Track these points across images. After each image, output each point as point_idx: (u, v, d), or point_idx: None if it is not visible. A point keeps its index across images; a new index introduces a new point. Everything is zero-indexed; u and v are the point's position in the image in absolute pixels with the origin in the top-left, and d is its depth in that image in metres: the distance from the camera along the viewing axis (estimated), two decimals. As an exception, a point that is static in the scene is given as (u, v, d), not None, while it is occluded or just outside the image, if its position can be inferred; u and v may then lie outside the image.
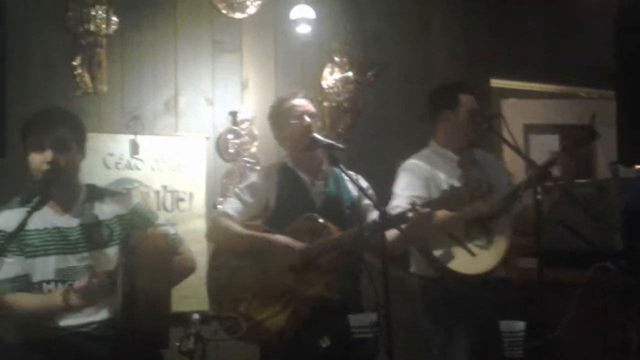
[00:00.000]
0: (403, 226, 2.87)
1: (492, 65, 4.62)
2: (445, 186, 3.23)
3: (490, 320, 3.00)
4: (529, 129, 4.85)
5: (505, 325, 2.64)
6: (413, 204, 2.90)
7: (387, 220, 2.80)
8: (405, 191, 3.24)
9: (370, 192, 3.12)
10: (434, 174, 3.28)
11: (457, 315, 3.14)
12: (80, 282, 2.63)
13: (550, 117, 4.90)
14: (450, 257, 3.10)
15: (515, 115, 4.26)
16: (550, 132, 4.96)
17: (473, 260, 3.04)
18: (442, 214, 2.97)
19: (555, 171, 3.12)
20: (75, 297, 2.60)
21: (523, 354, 2.61)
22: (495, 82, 4.64)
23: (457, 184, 3.17)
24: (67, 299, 2.60)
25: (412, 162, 3.35)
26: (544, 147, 4.65)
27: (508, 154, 3.84)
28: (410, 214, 2.89)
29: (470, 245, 3.09)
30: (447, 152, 3.35)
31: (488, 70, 4.61)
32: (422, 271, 3.30)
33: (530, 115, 4.82)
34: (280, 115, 3.22)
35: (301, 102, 3.19)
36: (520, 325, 2.63)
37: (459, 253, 3.06)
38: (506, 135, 3.17)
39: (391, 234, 2.92)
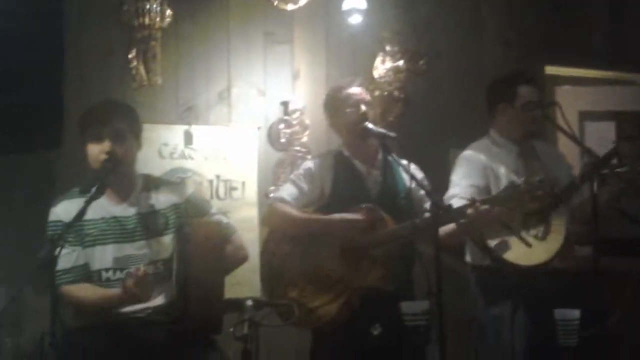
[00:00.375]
0: (460, 220, 2.85)
1: (546, 53, 4.54)
2: (503, 177, 3.21)
3: (545, 309, 2.98)
4: (584, 116, 4.75)
5: (560, 313, 2.61)
6: (472, 200, 2.88)
7: (444, 215, 2.77)
8: (464, 180, 3.23)
9: (425, 183, 3.11)
10: (492, 164, 3.26)
11: (512, 304, 3.11)
12: (135, 269, 2.67)
13: (606, 104, 4.79)
14: (506, 248, 3.08)
15: (570, 103, 4.16)
16: (606, 119, 4.85)
17: (529, 251, 2.99)
18: (500, 209, 2.94)
19: (615, 160, 3.06)
20: (132, 283, 2.64)
21: (577, 342, 2.59)
22: (550, 69, 4.56)
23: (515, 176, 3.14)
24: (126, 288, 2.65)
25: (471, 151, 3.34)
26: (600, 134, 4.57)
27: (563, 142, 3.77)
28: (469, 211, 2.87)
29: (527, 236, 3.05)
30: (506, 142, 3.33)
31: (542, 57, 4.53)
32: (477, 261, 3.28)
33: (585, 103, 4.72)
34: (336, 103, 3.23)
35: (357, 91, 3.20)
36: (575, 313, 2.60)
37: (515, 244, 3.02)
38: (562, 124, 3.13)
39: (448, 227, 2.90)
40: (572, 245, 3.24)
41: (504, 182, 3.21)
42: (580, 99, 4.68)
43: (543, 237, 3.13)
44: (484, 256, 3.20)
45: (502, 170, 3.24)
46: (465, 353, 3.87)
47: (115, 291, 2.69)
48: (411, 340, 2.84)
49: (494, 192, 3.20)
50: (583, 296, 2.80)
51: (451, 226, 2.91)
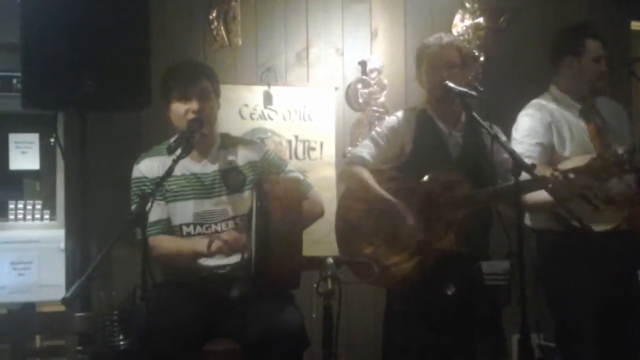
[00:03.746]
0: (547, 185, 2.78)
1: (632, 7, 4.38)
2: (567, 135, 3.14)
3: (615, 271, 2.93)
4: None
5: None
6: (555, 173, 2.82)
7: (528, 183, 2.72)
8: (528, 138, 3.16)
9: (509, 145, 3.01)
10: (555, 121, 3.18)
11: (581, 267, 3.06)
12: (228, 235, 2.75)
13: (695, 61, 4.61)
14: (576, 211, 3.02)
15: (655, 60, 4.02)
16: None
17: (598, 215, 2.93)
18: (582, 179, 2.87)
19: None
20: (218, 246, 2.72)
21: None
22: (636, 25, 4.41)
23: (579, 134, 3.06)
24: (211, 248, 2.73)
25: (533, 108, 3.25)
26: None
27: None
28: (550, 184, 2.79)
29: (596, 200, 2.97)
30: (569, 98, 3.24)
31: (628, 12, 4.37)
32: (540, 224, 3.22)
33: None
34: (419, 61, 3.18)
35: (440, 51, 3.12)
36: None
37: (584, 208, 2.94)
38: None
39: (530, 197, 2.86)
40: None
41: (567, 141, 3.14)
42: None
43: (611, 201, 3.05)
44: (548, 219, 3.13)
45: (565, 128, 3.16)
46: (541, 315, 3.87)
47: (201, 246, 2.76)
48: (492, 300, 2.86)
49: (558, 150, 3.13)
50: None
51: (535, 196, 2.84)
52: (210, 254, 2.75)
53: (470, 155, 3.13)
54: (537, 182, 2.74)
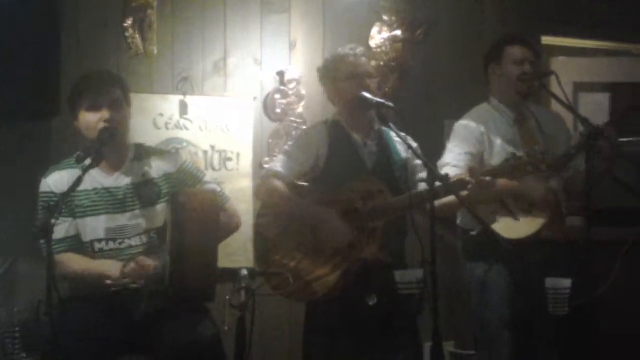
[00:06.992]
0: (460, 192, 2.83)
1: (543, 22, 4.52)
2: (498, 144, 3.21)
3: (533, 278, 3.00)
4: (579, 87, 4.76)
5: (551, 282, 2.64)
6: (472, 171, 2.86)
7: (442, 186, 2.75)
8: (457, 147, 3.23)
9: (419, 152, 3.05)
10: (488, 131, 3.25)
11: (500, 270, 3.13)
12: (144, 261, 2.70)
13: (601, 75, 4.80)
14: (493, 219, 3.09)
15: (565, 73, 4.14)
16: (600, 90, 4.86)
17: (516, 224, 2.99)
18: (501, 182, 2.92)
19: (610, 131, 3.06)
20: (132, 272, 2.66)
21: (568, 311, 2.61)
22: (546, 40, 4.55)
23: (510, 144, 3.14)
24: (125, 274, 2.67)
25: (467, 119, 3.33)
26: (594, 105, 4.57)
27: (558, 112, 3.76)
28: (469, 184, 2.84)
29: (515, 209, 3.04)
30: (503, 107, 3.32)
31: (539, 27, 4.51)
32: (467, 226, 3.29)
33: (580, 73, 4.72)
34: (334, 72, 3.16)
35: (358, 60, 3.14)
36: (566, 282, 2.62)
37: (501, 216, 3.01)
38: (558, 94, 3.13)
39: (446, 199, 2.88)
40: (562, 216, 3.26)
41: (498, 150, 3.22)
42: (575, 69, 4.68)
43: (531, 210, 3.13)
44: (474, 221, 3.20)
45: (497, 137, 3.24)
46: (456, 322, 3.94)
47: (113, 270, 2.70)
48: (405, 309, 2.88)
49: (487, 159, 3.20)
50: (573, 266, 2.82)
51: (450, 198, 2.88)
52: (120, 282, 2.68)
53: (384, 164, 3.15)
54: (453, 186, 2.79)
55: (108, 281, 2.69)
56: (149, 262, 2.70)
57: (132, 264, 2.68)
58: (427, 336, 2.60)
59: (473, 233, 3.24)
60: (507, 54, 3.28)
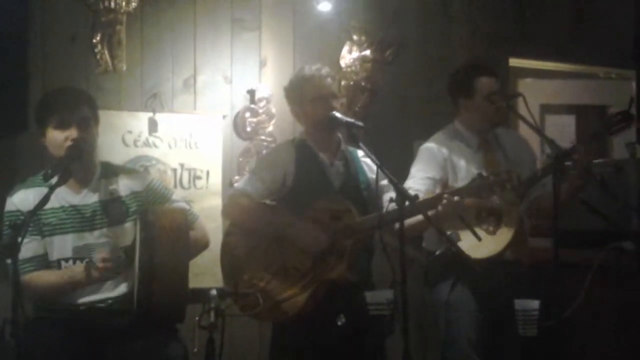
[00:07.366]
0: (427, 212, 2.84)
1: (511, 45, 4.59)
2: (462, 169, 3.23)
3: (498, 299, 3.02)
4: (546, 109, 4.82)
5: (520, 304, 2.65)
6: (440, 194, 2.88)
7: (411, 207, 2.74)
8: (420, 172, 3.24)
9: (388, 172, 3.08)
10: (451, 155, 3.27)
11: (465, 291, 3.15)
12: (102, 252, 2.67)
13: (567, 97, 4.87)
14: (457, 239, 3.10)
15: (532, 95, 4.19)
16: (567, 112, 4.93)
17: (479, 244, 3.01)
18: (468, 201, 2.96)
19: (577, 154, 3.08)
20: (95, 270, 2.64)
21: (537, 333, 2.63)
22: (514, 62, 4.61)
23: (474, 168, 3.16)
24: (89, 272, 2.64)
25: (431, 143, 3.34)
26: (560, 127, 4.64)
27: (524, 134, 3.81)
28: (442, 203, 2.87)
29: (478, 229, 3.06)
30: (468, 132, 3.33)
31: (507, 49, 4.58)
32: (432, 247, 3.30)
33: (546, 95, 4.79)
34: (301, 91, 3.16)
35: (323, 81, 3.13)
36: (535, 304, 2.64)
37: (466, 236, 3.01)
38: (525, 116, 3.16)
39: (414, 218, 2.89)
40: (526, 237, 3.28)
41: (462, 174, 3.23)
42: (541, 92, 4.75)
43: (494, 231, 3.15)
44: (438, 243, 3.22)
45: (461, 162, 3.26)
46: (424, 342, 3.95)
47: (78, 273, 2.67)
48: (375, 330, 2.88)
49: (452, 184, 3.22)
50: (540, 288, 2.84)
51: (418, 217, 2.89)
52: (88, 281, 2.66)
53: (351, 184, 3.15)
54: (421, 206, 2.80)
55: (82, 281, 2.67)
56: (108, 256, 2.66)
57: (93, 260, 2.65)
58: (398, 357, 2.59)
59: (437, 253, 3.26)
60: (478, 89, 3.26)
